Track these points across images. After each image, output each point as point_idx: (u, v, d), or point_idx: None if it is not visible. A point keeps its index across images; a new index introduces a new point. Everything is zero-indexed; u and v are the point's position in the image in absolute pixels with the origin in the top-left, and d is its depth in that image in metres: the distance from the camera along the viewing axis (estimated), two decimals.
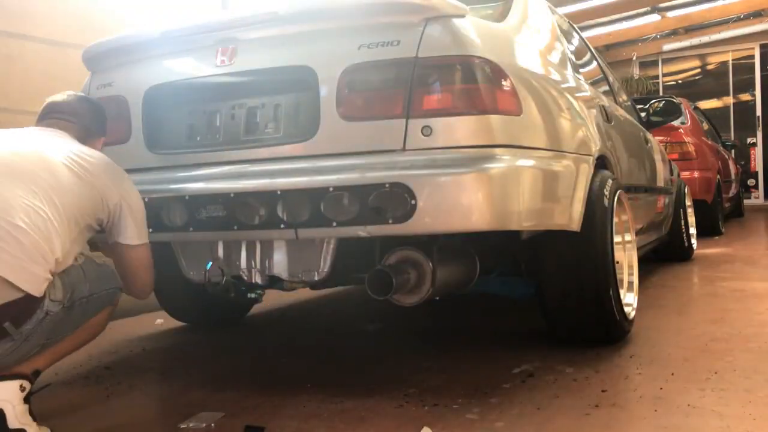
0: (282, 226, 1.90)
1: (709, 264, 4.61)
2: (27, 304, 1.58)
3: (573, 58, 2.96)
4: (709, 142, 7.40)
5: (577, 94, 2.60)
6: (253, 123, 2.09)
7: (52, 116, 1.97)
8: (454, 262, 2.19)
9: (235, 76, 2.12)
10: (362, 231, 1.82)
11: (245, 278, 2.17)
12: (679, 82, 13.18)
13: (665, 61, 12.94)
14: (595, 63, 3.59)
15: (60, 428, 1.81)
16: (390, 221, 1.78)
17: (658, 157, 4.18)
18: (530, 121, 2.03)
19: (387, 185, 1.78)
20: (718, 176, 7.03)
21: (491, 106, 1.87)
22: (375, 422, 1.72)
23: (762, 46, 12.13)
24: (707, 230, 6.58)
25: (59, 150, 1.80)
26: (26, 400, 1.66)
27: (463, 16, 1.97)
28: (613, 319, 2.29)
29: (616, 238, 2.53)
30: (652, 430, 1.60)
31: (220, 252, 2.18)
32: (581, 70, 3.05)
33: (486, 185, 1.76)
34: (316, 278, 2.07)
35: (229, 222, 1.97)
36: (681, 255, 4.79)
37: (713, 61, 12.85)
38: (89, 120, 2.02)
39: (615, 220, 2.46)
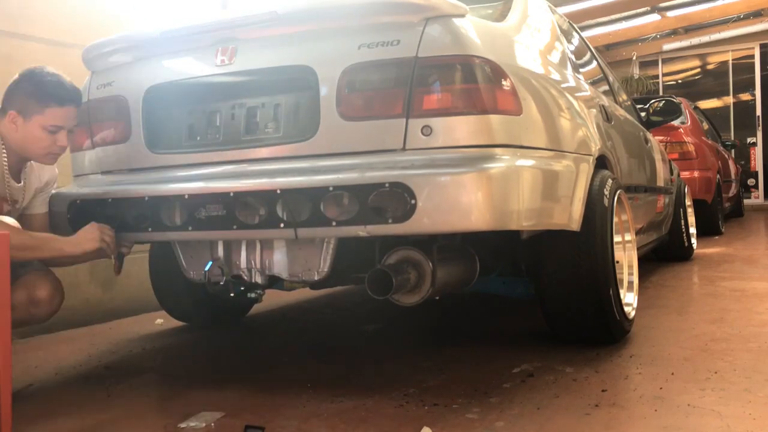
0: (282, 225, 1.90)
1: (709, 264, 4.61)
2: None
3: (573, 58, 2.96)
4: (709, 142, 7.41)
5: (577, 94, 2.60)
6: (253, 123, 2.09)
7: None
8: (454, 262, 2.19)
9: (235, 75, 2.12)
10: (362, 231, 1.82)
11: (245, 278, 2.17)
12: (679, 81, 13.18)
13: (665, 61, 12.95)
14: (595, 63, 3.59)
15: (60, 428, 1.82)
16: (390, 221, 1.78)
17: (658, 157, 4.18)
18: (530, 121, 2.03)
19: (387, 185, 1.78)
20: (718, 176, 7.03)
21: (491, 105, 1.87)
22: (375, 422, 1.72)
23: (762, 46, 12.13)
24: (707, 230, 6.58)
25: None
26: None
27: (463, 15, 1.97)
28: (613, 318, 2.29)
29: (616, 238, 2.53)
30: (652, 430, 1.59)
31: (220, 252, 2.18)
32: (581, 70, 3.05)
33: (486, 185, 1.76)
34: (316, 278, 2.07)
35: (228, 221, 1.97)
36: (681, 255, 4.79)
37: (713, 60, 12.85)
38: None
39: (615, 220, 2.46)
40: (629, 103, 4.24)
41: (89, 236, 2.14)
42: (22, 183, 2.31)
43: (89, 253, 2.17)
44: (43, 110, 2.17)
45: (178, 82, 2.22)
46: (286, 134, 2.04)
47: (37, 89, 2.17)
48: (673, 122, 5.57)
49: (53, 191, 2.41)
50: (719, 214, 6.87)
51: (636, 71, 12.53)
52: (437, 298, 2.09)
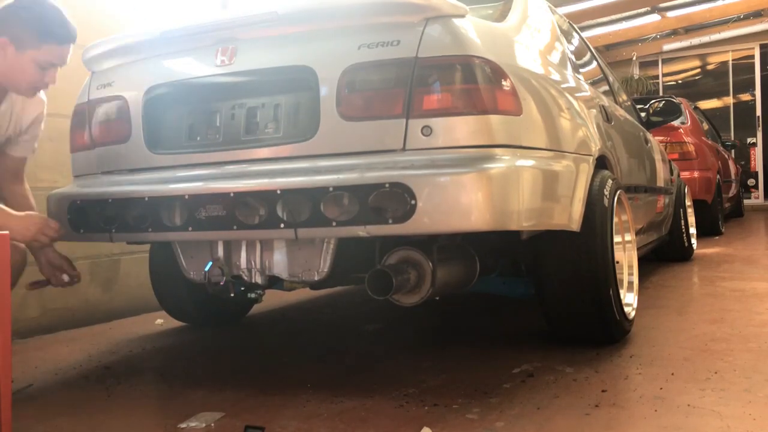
0: (282, 225, 1.90)
1: (709, 264, 4.61)
2: None
3: (573, 58, 2.96)
4: (709, 142, 7.41)
5: (577, 94, 2.60)
6: (253, 123, 2.09)
7: None
8: (454, 262, 2.19)
9: (235, 76, 2.12)
10: (362, 231, 1.82)
11: (245, 278, 2.17)
12: (679, 82, 13.18)
13: (665, 61, 12.95)
14: (595, 63, 3.59)
15: (60, 428, 1.82)
16: (390, 221, 1.78)
17: (658, 157, 4.18)
18: (530, 121, 2.03)
19: (387, 185, 1.78)
20: (718, 176, 7.03)
21: (491, 106, 1.87)
22: (375, 422, 1.72)
23: (762, 46, 12.13)
24: (707, 230, 6.59)
25: None
26: None
27: (463, 16, 1.97)
28: (613, 319, 2.29)
29: (616, 238, 2.53)
30: (652, 430, 1.60)
31: (220, 252, 2.18)
32: (581, 70, 3.05)
33: (486, 185, 1.76)
34: (316, 278, 2.07)
35: (228, 222, 1.97)
36: (681, 255, 4.79)
37: (713, 61, 12.85)
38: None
39: (615, 220, 2.46)
40: (629, 103, 4.24)
41: (30, 224, 2.08)
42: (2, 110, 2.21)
43: (21, 239, 2.09)
44: (40, 46, 2.07)
45: (178, 83, 2.22)
46: (286, 134, 2.04)
47: (39, 22, 2.06)
48: (673, 122, 5.57)
49: (52, 191, 2.41)
50: (719, 215, 6.87)
51: (636, 71, 12.53)
52: (437, 298, 2.09)
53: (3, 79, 2.12)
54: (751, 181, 12.15)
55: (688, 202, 5.00)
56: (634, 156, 3.38)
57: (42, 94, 2.34)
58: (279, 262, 2.11)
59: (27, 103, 2.30)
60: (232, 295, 2.19)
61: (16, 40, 2.06)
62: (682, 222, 4.74)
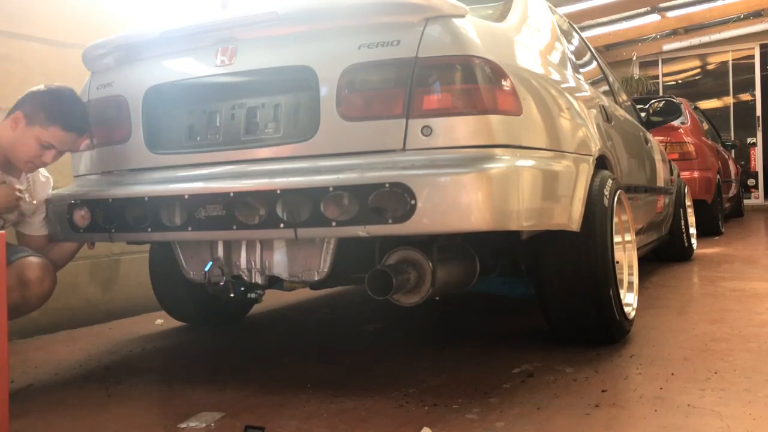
0: (281, 225, 1.90)
1: (709, 264, 4.61)
2: None
3: (573, 58, 2.96)
4: (709, 142, 7.41)
5: (577, 94, 2.60)
6: (253, 123, 2.09)
7: None
8: (454, 262, 2.19)
9: (235, 76, 2.12)
10: (362, 231, 1.81)
11: (245, 278, 2.17)
12: (679, 82, 13.18)
13: (665, 61, 12.95)
14: (595, 63, 3.59)
15: (60, 428, 1.82)
16: (390, 221, 1.78)
17: (658, 157, 4.18)
18: (530, 121, 2.03)
19: (387, 185, 1.78)
20: (718, 176, 7.03)
21: (491, 106, 1.87)
22: (375, 422, 1.72)
23: (762, 46, 12.14)
24: (707, 230, 6.59)
25: None
26: None
27: (463, 16, 1.97)
28: (613, 319, 2.29)
29: (616, 238, 2.53)
30: (652, 430, 1.60)
31: (220, 252, 2.18)
32: (581, 70, 3.05)
33: (485, 185, 1.76)
34: (315, 278, 2.07)
35: (228, 222, 1.97)
36: (681, 255, 4.79)
37: (713, 61, 12.85)
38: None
39: (615, 220, 2.46)
40: (629, 103, 4.24)
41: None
42: (25, 186, 2.33)
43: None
44: (47, 126, 2.22)
45: (178, 83, 2.22)
46: (286, 134, 2.04)
47: (52, 106, 2.23)
48: (673, 122, 5.57)
49: (53, 192, 2.41)
50: (719, 215, 6.88)
51: (636, 71, 12.53)
52: (437, 298, 2.09)
53: (8, 149, 2.26)
54: (751, 181, 12.15)
55: (688, 202, 5.00)
56: (634, 156, 3.38)
57: (45, 170, 2.46)
58: (279, 262, 2.11)
59: (37, 185, 2.42)
60: (232, 295, 2.19)
61: (29, 116, 2.23)
62: (682, 222, 4.74)
